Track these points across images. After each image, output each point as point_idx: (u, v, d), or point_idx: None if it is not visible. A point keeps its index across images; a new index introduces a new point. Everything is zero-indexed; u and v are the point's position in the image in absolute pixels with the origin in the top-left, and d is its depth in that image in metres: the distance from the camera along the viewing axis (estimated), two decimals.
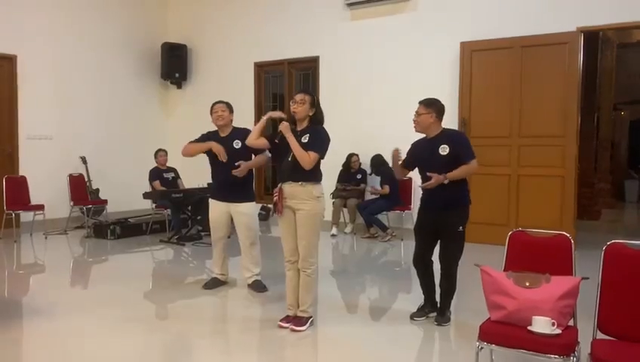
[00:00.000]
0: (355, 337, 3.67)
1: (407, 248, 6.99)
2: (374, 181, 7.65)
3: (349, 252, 7.13)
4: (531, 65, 6.64)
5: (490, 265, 2.59)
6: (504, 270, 2.62)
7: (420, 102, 3.89)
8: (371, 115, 7.86)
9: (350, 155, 7.71)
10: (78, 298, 4.65)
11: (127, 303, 4.42)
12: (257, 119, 9.16)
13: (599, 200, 10.63)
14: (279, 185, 3.69)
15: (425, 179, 3.77)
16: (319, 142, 3.63)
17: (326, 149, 3.65)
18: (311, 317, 3.75)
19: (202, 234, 7.35)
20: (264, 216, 8.85)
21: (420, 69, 7.48)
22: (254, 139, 3.87)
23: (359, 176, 7.76)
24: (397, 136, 7.65)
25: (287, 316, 3.78)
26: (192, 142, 4.79)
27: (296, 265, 3.71)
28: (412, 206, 7.42)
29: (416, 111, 3.86)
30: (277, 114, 3.91)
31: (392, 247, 7.05)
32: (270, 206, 9.05)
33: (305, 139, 3.61)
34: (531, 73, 6.65)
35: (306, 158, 3.54)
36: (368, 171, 7.68)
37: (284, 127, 3.60)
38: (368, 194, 7.72)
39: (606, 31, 9.18)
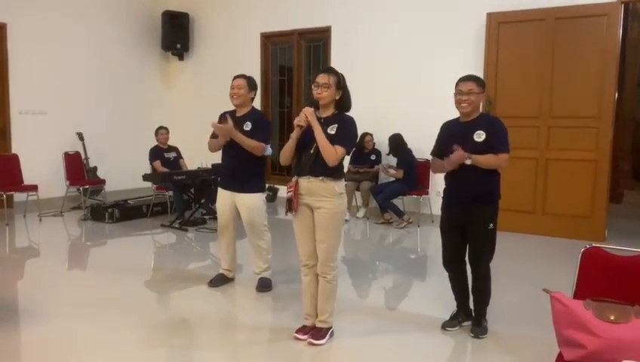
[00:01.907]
0: (381, 351, 3.23)
1: (424, 235, 6.57)
2: (390, 163, 7.16)
3: (362, 239, 6.70)
4: (565, 40, 6.08)
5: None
6: (574, 296, 2.16)
7: (468, 79, 3.30)
8: (387, 91, 7.33)
9: (364, 135, 7.19)
10: (72, 294, 4.21)
11: (125, 304, 3.98)
12: (263, 94, 8.68)
13: (620, 182, 10.19)
14: (294, 178, 3.21)
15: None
16: (348, 136, 3.14)
17: (354, 145, 3.18)
18: (331, 327, 3.32)
19: (206, 218, 6.92)
20: (270, 198, 8.41)
21: (441, 41, 6.92)
22: (289, 160, 3.27)
23: (373, 157, 7.28)
24: (414, 115, 7.22)
25: (304, 326, 3.34)
26: (212, 135, 4.24)
27: (315, 269, 3.25)
28: (430, 190, 6.97)
29: (470, 89, 3.26)
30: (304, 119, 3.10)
31: (409, 234, 6.60)
32: (276, 186, 8.65)
33: (332, 130, 3.11)
34: (565, 48, 6.09)
35: (332, 153, 3.04)
36: (384, 151, 7.19)
37: (310, 113, 3.08)
38: (383, 176, 7.24)
39: (635, 3, 8.57)
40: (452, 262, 3.49)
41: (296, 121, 3.12)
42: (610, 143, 6.04)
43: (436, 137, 3.52)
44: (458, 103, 3.30)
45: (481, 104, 3.34)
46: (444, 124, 3.53)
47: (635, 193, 10.97)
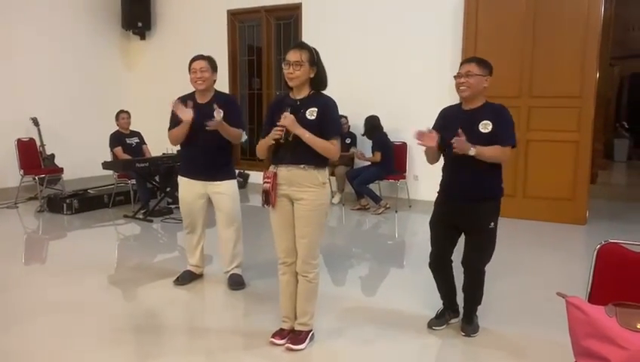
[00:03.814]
0: (366, 357, 2.96)
1: (401, 221, 6.34)
2: (365, 146, 6.88)
3: (337, 226, 6.39)
4: (547, 14, 5.87)
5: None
6: (589, 299, 1.90)
7: (470, 60, 3.05)
8: (362, 71, 7.02)
9: None
10: (26, 294, 3.81)
11: (84, 304, 3.62)
12: (231, 75, 8.26)
13: (594, 162, 10.16)
14: (272, 168, 2.88)
15: (451, 153, 2.95)
16: (334, 120, 2.86)
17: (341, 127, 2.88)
18: (311, 330, 3.03)
19: (172, 208, 6.52)
20: (241, 184, 8.04)
21: (418, 17, 6.62)
22: (265, 155, 2.95)
23: (348, 141, 6.98)
24: (391, 95, 6.93)
25: (282, 329, 3.03)
26: (171, 128, 3.86)
27: (293, 267, 2.94)
28: (407, 174, 6.72)
29: (467, 71, 2.97)
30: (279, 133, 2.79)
31: (386, 220, 6.35)
32: (247, 172, 8.29)
33: (311, 115, 2.78)
34: (546, 23, 5.87)
35: (332, 150, 2.80)
36: (359, 134, 6.89)
37: (290, 122, 2.74)
38: (359, 160, 6.95)
39: None
40: (441, 263, 3.21)
41: (276, 129, 2.78)
42: (592, 123, 5.89)
43: (434, 123, 3.15)
44: (457, 87, 3.01)
45: (486, 87, 3.00)
46: (443, 110, 3.20)
47: (607, 173, 11.00)
